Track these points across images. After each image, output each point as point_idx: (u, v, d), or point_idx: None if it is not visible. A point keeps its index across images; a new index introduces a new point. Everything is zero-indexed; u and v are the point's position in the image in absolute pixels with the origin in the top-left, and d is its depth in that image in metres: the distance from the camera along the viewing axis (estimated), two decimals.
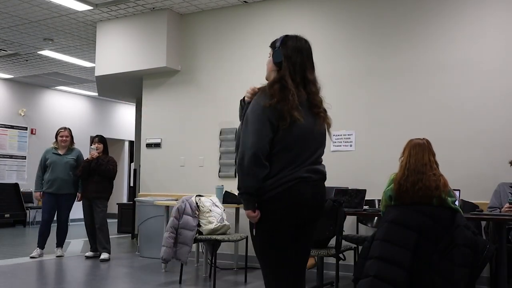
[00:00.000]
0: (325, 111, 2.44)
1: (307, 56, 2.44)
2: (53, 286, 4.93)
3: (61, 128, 6.72)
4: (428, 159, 3.46)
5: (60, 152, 6.57)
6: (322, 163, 2.46)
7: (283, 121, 2.25)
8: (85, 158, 6.60)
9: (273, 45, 2.48)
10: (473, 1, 5.19)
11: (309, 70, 2.43)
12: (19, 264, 6.03)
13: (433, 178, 3.39)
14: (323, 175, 2.42)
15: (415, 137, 3.72)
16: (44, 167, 6.56)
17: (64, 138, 6.57)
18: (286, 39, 2.43)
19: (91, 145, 6.65)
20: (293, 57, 2.37)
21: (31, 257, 6.36)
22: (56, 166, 6.47)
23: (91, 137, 6.93)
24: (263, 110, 2.26)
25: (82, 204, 6.57)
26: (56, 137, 6.65)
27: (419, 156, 3.47)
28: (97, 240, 6.44)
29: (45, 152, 6.65)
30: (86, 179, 6.46)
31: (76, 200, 6.63)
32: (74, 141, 6.83)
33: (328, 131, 2.48)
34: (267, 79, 2.44)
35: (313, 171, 2.35)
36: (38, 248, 6.50)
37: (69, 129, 6.72)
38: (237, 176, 2.33)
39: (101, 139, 6.67)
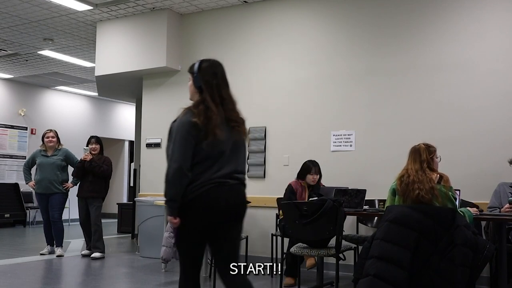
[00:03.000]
0: (242, 122, 2.79)
1: (222, 77, 2.74)
2: (53, 285, 4.93)
3: (46, 130, 6.81)
4: (419, 166, 3.61)
5: (48, 153, 6.68)
6: (244, 170, 2.77)
7: (206, 137, 2.57)
8: (79, 159, 6.67)
9: (191, 70, 2.77)
10: (473, 1, 5.19)
11: (224, 89, 2.73)
12: (19, 264, 6.03)
13: (426, 180, 3.53)
14: (240, 181, 2.71)
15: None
16: (31, 163, 6.78)
17: (50, 139, 6.66)
18: (201, 64, 2.75)
19: (86, 146, 6.69)
20: (210, 80, 2.68)
21: (41, 254, 6.61)
22: (43, 166, 6.58)
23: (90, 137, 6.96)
24: (187, 127, 2.60)
25: (78, 203, 6.67)
26: (42, 140, 6.75)
27: (414, 163, 3.65)
28: (92, 239, 6.57)
29: (35, 152, 6.84)
30: (82, 179, 6.58)
31: (64, 188, 6.64)
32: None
33: (246, 140, 2.83)
34: (191, 100, 2.75)
35: (230, 177, 2.65)
36: (48, 246, 6.72)
37: (54, 130, 6.81)
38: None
39: (97, 140, 6.74)
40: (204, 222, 2.61)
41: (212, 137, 2.57)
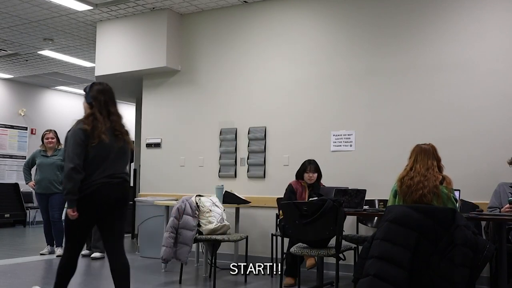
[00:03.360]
0: (126, 133, 3.50)
1: (110, 97, 3.49)
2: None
3: (46, 131, 6.84)
4: (431, 164, 3.64)
5: (48, 153, 6.72)
6: (126, 171, 3.52)
7: (92, 141, 3.27)
8: None
9: (84, 89, 3.52)
10: (473, 1, 5.19)
11: (112, 106, 3.48)
12: (19, 264, 6.03)
13: (433, 178, 3.54)
14: (123, 179, 3.46)
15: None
16: (31, 164, 6.83)
17: (49, 140, 6.70)
18: (92, 85, 3.51)
19: None
20: (98, 97, 3.43)
21: (41, 254, 6.65)
22: (43, 167, 6.63)
23: None
24: (79, 134, 3.29)
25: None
26: (42, 140, 6.80)
27: (424, 161, 3.65)
28: (92, 239, 6.57)
29: (35, 152, 6.88)
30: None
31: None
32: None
33: (129, 147, 3.53)
34: (84, 114, 3.45)
35: (114, 176, 3.38)
36: (48, 246, 6.75)
37: (54, 131, 6.82)
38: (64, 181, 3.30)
39: None
40: (95, 212, 3.36)
41: (98, 141, 3.27)
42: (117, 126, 3.45)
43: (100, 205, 3.35)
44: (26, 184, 6.86)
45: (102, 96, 3.44)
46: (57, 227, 6.60)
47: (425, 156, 3.67)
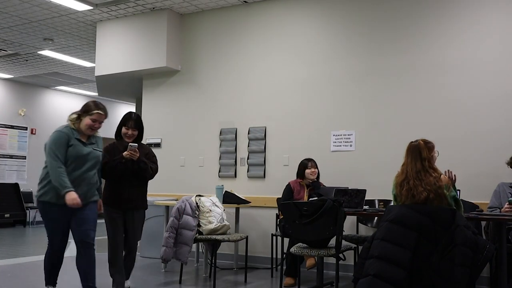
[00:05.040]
0: None
1: None
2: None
3: (99, 107, 3.94)
4: (421, 166, 3.50)
5: (83, 139, 3.91)
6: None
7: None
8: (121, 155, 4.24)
9: None
10: (475, 2, 5.19)
11: None
12: (19, 264, 6.02)
13: (433, 180, 3.44)
14: None
15: (415, 137, 3.77)
16: (65, 155, 3.79)
17: (97, 125, 3.96)
18: None
19: (128, 139, 4.41)
20: None
21: None
22: (83, 160, 3.87)
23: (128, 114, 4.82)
24: None
25: (110, 217, 4.31)
26: (79, 117, 3.91)
27: (413, 163, 3.54)
28: (126, 267, 4.43)
29: (64, 133, 3.82)
30: (116, 183, 4.31)
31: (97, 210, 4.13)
32: None
33: None
34: None
35: None
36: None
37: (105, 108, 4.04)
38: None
39: (138, 122, 4.48)
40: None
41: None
42: None
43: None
44: (64, 194, 3.68)
45: None
46: (90, 254, 3.92)
47: (414, 156, 3.53)
